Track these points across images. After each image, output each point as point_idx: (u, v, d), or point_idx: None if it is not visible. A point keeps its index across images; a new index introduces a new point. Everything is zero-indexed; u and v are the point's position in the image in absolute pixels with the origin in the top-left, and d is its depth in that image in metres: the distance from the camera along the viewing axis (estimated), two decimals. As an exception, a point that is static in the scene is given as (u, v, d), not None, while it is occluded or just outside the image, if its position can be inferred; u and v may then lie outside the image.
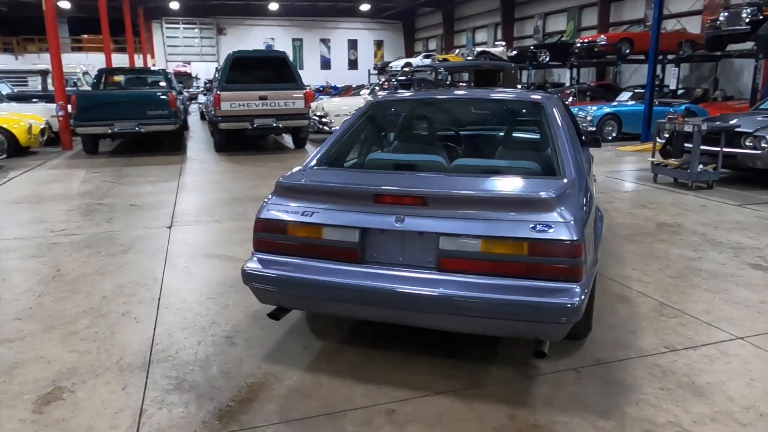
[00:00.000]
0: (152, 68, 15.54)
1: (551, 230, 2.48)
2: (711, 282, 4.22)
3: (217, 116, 11.15)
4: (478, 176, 3.10)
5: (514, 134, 3.98)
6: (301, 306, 2.96)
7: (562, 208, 2.54)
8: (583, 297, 2.47)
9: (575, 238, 2.47)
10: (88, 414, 2.59)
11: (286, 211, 2.88)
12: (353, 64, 39.80)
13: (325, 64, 39.46)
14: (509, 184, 2.86)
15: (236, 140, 12.43)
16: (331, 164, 3.43)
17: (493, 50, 26.12)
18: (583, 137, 4.74)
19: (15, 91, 15.93)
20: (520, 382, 2.84)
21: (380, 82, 16.28)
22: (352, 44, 39.91)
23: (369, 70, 35.86)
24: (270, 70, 11.61)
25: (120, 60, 30.03)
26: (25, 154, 11.68)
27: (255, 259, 2.94)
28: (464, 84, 15.10)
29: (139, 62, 30.26)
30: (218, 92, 10.98)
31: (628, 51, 18.27)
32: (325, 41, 39.35)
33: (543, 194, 2.54)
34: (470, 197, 2.63)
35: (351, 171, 3.38)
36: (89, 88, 14.12)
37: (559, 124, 3.27)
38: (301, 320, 3.54)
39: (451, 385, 2.81)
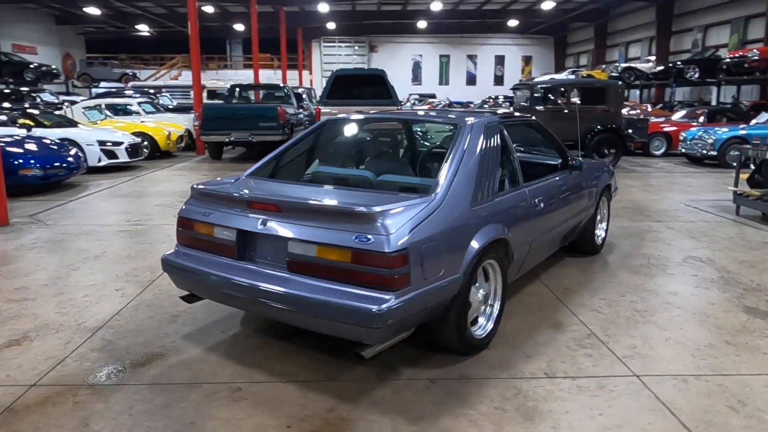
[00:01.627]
0: (281, 84, 17.13)
1: (370, 241, 2.71)
2: (676, 320, 3.94)
3: (318, 129, 12.14)
4: (344, 188, 3.44)
5: (439, 153, 4.11)
6: (200, 292, 3.45)
7: (387, 221, 2.74)
8: (393, 306, 2.66)
9: (390, 250, 2.67)
10: (28, 357, 3.34)
11: (195, 212, 3.41)
12: (499, 80, 39.55)
13: (471, 79, 39.73)
14: (358, 198, 3.11)
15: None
16: (270, 175, 3.91)
17: (639, 66, 24.68)
18: (572, 161, 4.68)
19: (175, 103, 18.66)
20: (371, 383, 3.05)
21: (486, 99, 16.28)
22: (499, 60, 39.68)
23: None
24: (369, 86, 12.34)
25: (280, 76, 33.30)
26: (166, 157, 13.71)
27: (174, 250, 3.51)
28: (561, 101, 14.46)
29: (293, 79, 33.19)
30: (318, 107, 11.97)
31: (786, 67, 16.20)
32: (471, 57, 39.64)
33: (369, 208, 2.77)
34: (310, 207, 2.95)
35: (267, 181, 3.77)
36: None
37: (462, 147, 3.41)
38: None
39: (309, 377, 3.11)
